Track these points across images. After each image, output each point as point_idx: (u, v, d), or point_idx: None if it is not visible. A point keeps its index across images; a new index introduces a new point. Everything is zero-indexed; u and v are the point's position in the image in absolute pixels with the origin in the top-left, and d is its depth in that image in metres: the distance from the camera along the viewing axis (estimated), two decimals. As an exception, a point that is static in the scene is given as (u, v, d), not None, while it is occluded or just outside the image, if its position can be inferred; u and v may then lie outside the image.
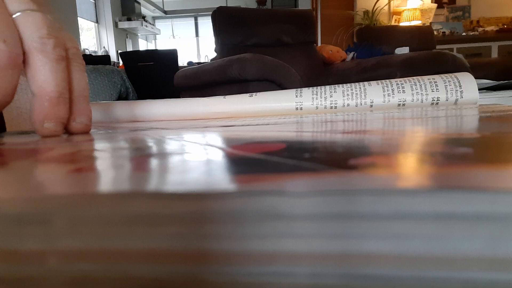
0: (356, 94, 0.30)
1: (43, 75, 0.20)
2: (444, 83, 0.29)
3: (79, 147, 0.15)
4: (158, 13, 5.44)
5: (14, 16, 0.20)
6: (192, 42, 5.60)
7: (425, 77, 0.30)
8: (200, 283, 0.07)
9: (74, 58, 0.22)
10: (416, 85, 0.30)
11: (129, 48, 4.50)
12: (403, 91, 0.30)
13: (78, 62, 0.23)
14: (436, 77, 0.30)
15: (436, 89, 0.29)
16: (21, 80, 0.20)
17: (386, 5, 3.17)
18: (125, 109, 0.33)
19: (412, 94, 0.29)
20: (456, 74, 0.30)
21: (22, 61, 0.20)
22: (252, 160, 0.10)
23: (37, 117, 0.20)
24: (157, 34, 5.28)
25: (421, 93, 0.29)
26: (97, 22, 3.94)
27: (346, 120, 0.21)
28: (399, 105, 0.30)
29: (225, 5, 2.18)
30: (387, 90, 0.30)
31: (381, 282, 0.06)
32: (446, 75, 0.30)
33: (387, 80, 0.32)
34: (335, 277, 0.06)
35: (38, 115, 0.20)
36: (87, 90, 0.23)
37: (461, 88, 0.29)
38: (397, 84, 0.31)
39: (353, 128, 0.17)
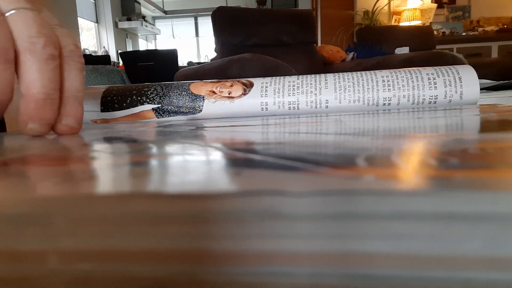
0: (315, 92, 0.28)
1: (31, 75, 0.19)
2: (443, 76, 0.28)
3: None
4: (158, 13, 5.45)
5: (6, 14, 0.19)
6: (192, 42, 5.60)
7: (421, 69, 0.29)
8: (200, 283, 0.07)
9: (71, 56, 0.21)
10: (409, 79, 0.28)
11: (129, 48, 4.50)
12: (388, 88, 0.28)
13: (74, 61, 0.22)
14: (434, 70, 0.29)
15: (435, 86, 0.28)
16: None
17: (386, 5, 3.17)
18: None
19: (404, 90, 0.28)
20: (455, 66, 0.29)
21: (14, 59, 0.19)
22: (252, 161, 0.10)
23: (22, 118, 0.20)
24: (157, 34, 5.29)
25: (417, 89, 0.28)
26: (97, 22, 3.94)
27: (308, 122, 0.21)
28: (384, 104, 0.29)
29: (225, 5, 2.18)
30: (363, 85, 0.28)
31: (381, 282, 0.06)
32: (444, 67, 0.29)
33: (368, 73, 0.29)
34: (335, 277, 0.06)
35: (23, 115, 0.20)
36: (80, 91, 0.22)
37: (461, 82, 0.28)
38: (382, 78, 0.29)
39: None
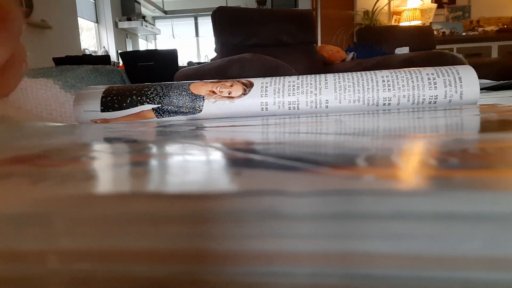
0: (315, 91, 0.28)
1: None
2: (443, 76, 0.29)
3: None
4: (158, 13, 5.44)
5: None
6: (192, 42, 5.60)
7: (421, 69, 0.29)
8: (200, 283, 0.07)
9: None
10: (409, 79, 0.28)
11: (129, 48, 4.50)
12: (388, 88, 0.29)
13: None
14: (434, 70, 0.29)
15: (435, 86, 0.28)
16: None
17: (386, 5, 3.16)
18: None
19: (403, 90, 0.28)
20: (455, 66, 0.29)
21: None
22: (252, 161, 0.10)
23: None
24: (157, 34, 5.28)
25: (417, 89, 0.28)
26: (97, 22, 3.94)
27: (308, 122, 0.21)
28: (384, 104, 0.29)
29: (225, 5, 2.18)
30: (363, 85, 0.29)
31: (381, 282, 0.06)
32: (444, 67, 0.29)
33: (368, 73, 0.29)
34: (335, 277, 0.06)
35: None
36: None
37: (461, 82, 0.28)
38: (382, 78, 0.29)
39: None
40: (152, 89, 0.31)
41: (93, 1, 3.84)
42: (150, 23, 5.01)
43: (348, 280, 0.06)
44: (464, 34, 3.30)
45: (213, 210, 0.07)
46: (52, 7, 2.60)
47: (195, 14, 5.51)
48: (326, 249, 0.06)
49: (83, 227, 0.07)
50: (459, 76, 0.29)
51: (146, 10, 5.10)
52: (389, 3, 3.23)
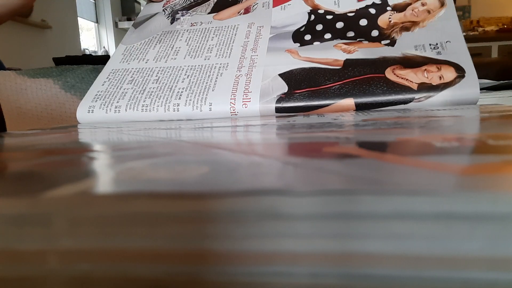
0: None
1: None
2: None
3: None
4: (158, 13, 5.44)
5: None
6: (192, 42, 5.60)
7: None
8: (200, 283, 0.07)
9: None
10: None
11: (129, 48, 4.48)
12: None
13: None
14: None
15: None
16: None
17: (386, 5, 3.16)
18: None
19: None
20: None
21: None
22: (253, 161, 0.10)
23: None
24: (157, 34, 5.28)
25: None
26: (97, 22, 3.93)
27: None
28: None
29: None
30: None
31: (381, 282, 0.06)
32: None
33: None
34: (335, 277, 0.06)
35: None
36: None
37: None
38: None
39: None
40: None
41: (93, 1, 3.84)
42: (150, 23, 4.99)
43: (348, 280, 0.06)
44: (464, 34, 3.30)
45: (213, 210, 0.07)
46: (52, 7, 2.60)
47: (195, 14, 5.51)
48: (326, 249, 0.06)
49: (83, 227, 0.07)
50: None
51: (146, 10, 5.09)
52: (389, 3, 3.22)
